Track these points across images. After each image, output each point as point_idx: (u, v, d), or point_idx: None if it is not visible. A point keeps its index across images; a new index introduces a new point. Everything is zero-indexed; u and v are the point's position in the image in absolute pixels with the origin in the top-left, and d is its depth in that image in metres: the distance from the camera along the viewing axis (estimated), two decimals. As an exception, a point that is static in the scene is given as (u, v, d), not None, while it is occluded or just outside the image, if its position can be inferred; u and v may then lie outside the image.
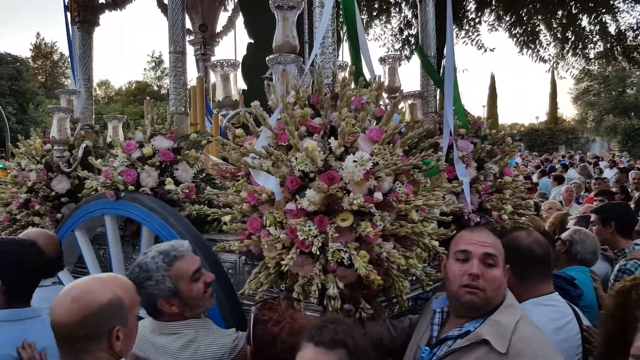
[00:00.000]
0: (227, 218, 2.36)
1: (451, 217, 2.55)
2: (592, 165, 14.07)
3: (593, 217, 4.01)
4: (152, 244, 3.00)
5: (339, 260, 2.00)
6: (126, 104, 39.65)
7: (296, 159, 2.11)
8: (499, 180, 3.32)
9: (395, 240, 2.16)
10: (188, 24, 5.29)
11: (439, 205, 2.29)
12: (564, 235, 3.57)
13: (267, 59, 2.58)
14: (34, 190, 3.73)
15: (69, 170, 3.74)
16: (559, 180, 10.55)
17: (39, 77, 43.82)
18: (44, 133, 4.00)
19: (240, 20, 4.87)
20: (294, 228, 2.03)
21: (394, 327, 2.35)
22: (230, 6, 5.41)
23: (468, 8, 9.38)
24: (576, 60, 10.23)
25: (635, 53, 9.88)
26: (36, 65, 45.63)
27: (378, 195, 2.04)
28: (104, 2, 4.49)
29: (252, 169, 2.23)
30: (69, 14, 4.34)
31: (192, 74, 5.94)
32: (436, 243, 2.26)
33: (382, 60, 3.66)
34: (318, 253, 2.01)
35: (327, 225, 2.01)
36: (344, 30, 3.03)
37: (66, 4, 4.33)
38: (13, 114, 29.86)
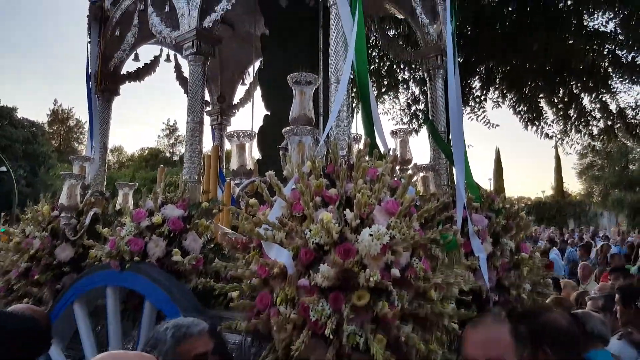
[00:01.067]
0: (234, 294, 2.25)
1: (470, 297, 2.42)
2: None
3: (617, 296, 3.83)
4: (153, 320, 2.86)
5: (354, 344, 1.86)
6: (137, 170, 40.36)
7: (310, 230, 2.04)
8: (516, 256, 3.21)
9: (414, 322, 2.03)
10: (206, 96, 5.49)
11: (459, 283, 2.18)
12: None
13: (283, 130, 2.60)
14: (36, 258, 3.62)
15: (75, 238, 3.66)
16: (587, 250, 10.32)
17: (53, 142, 45.08)
18: (53, 199, 3.97)
19: (258, 93, 5.05)
20: (306, 307, 1.91)
21: None
22: (248, 80, 5.63)
23: (473, 86, 9.73)
24: (579, 136, 10.41)
25: (638, 130, 10.05)
26: (51, 130, 47.17)
27: (395, 272, 1.95)
28: (125, 73, 4.68)
29: (265, 240, 2.15)
30: (91, 84, 4.51)
31: (207, 143, 6.04)
32: (456, 326, 2.12)
33: (394, 133, 3.71)
34: (332, 336, 1.87)
35: (343, 304, 1.89)
36: (357, 104, 3.10)
37: (88, 74, 4.51)
38: (24, 176, 30.31)
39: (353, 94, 3.32)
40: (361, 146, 2.62)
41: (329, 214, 2.03)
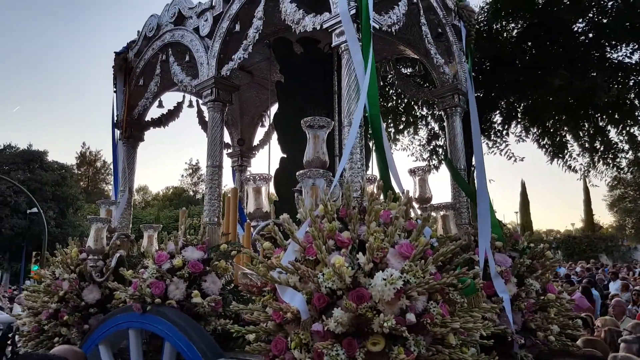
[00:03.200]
0: (251, 337, 2.25)
1: (492, 340, 2.35)
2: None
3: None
4: (173, 361, 2.88)
5: (369, 391, 1.83)
6: (162, 209, 41.12)
7: (323, 274, 2.04)
8: (542, 297, 3.11)
9: (431, 368, 1.99)
10: (227, 138, 5.65)
11: (479, 327, 2.12)
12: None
13: (297, 173, 2.65)
14: (65, 299, 3.72)
15: (101, 280, 3.76)
16: (626, 287, 10.07)
17: (82, 183, 46.58)
18: (80, 242, 4.10)
19: (275, 136, 5.17)
20: (320, 352, 1.90)
21: None
22: (267, 122, 5.78)
23: (494, 120, 9.67)
24: (606, 169, 10.15)
25: (668, 161, 9.75)
26: (79, 172, 48.86)
27: (411, 317, 1.92)
28: (149, 120, 4.87)
29: (278, 284, 2.17)
30: (117, 131, 4.71)
31: (228, 183, 6.17)
32: (477, 371, 2.06)
33: (412, 172, 3.71)
34: (346, 383, 1.85)
35: (357, 350, 1.87)
36: (372, 145, 3.14)
37: (114, 122, 4.72)
38: (53, 217, 31.27)
39: (369, 135, 3.37)
40: (375, 188, 2.64)
41: (341, 258, 2.03)
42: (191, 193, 49.78)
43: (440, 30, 4.10)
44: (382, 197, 2.53)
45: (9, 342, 3.95)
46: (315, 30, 3.25)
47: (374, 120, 2.80)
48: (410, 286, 1.96)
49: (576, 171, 10.00)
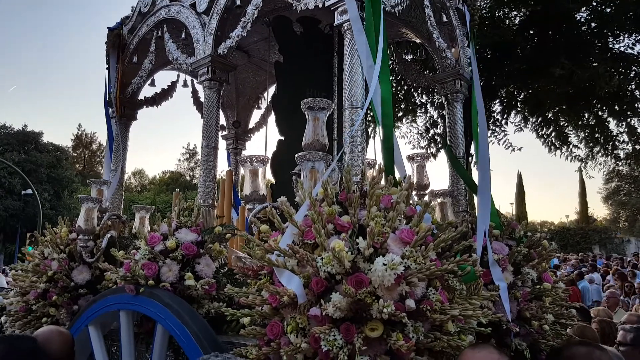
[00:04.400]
0: (246, 320, 2.20)
1: (490, 328, 2.31)
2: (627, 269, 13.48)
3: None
4: (165, 344, 2.83)
5: (367, 377, 1.79)
6: (158, 193, 40.95)
7: (322, 258, 1.99)
8: (538, 286, 3.09)
9: (429, 355, 1.95)
10: (222, 120, 5.56)
11: (477, 315, 2.09)
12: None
13: (296, 155, 2.58)
14: (54, 280, 3.66)
15: (91, 260, 3.69)
16: (623, 277, 10.09)
17: (77, 165, 46.25)
18: (71, 222, 4.02)
19: (272, 118, 5.09)
20: (317, 337, 1.85)
21: None
22: (264, 104, 5.69)
23: (494, 109, 9.62)
24: (605, 160, 10.16)
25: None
26: (75, 154, 48.48)
27: (410, 303, 1.87)
28: (142, 99, 4.77)
29: (276, 267, 2.11)
30: (110, 110, 4.60)
31: (223, 167, 6.11)
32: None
33: (411, 158, 3.65)
34: (344, 368, 1.80)
35: (355, 335, 1.82)
36: (372, 129, 3.07)
37: (106, 99, 4.62)
38: (48, 199, 31.06)
39: (369, 118, 3.30)
40: (375, 172, 2.58)
41: (341, 242, 1.98)
42: (188, 178, 49.61)
43: (443, 13, 4.00)
44: (382, 181, 2.47)
45: None
46: (316, 8, 3.15)
47: (386, 115, 2.71)
48: (410, 272, 1.91)
49: (580, 159, 9.99)
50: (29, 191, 24.60)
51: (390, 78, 9.37)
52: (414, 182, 3.55)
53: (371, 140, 3.84)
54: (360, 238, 2.05)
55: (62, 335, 2.78)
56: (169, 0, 4.23)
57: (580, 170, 10.75)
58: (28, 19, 72.54)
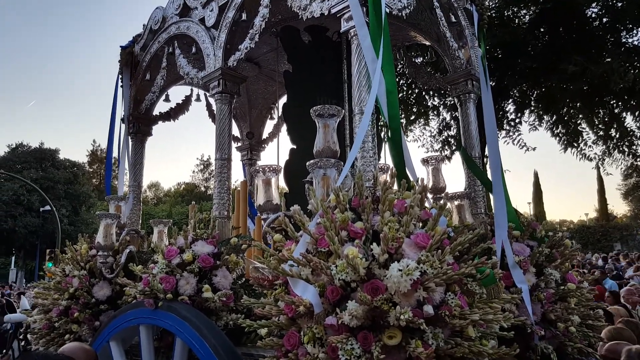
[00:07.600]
0: (263, 331, 2.19)
1: (513, 332, 2.26)
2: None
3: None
4: (185, 357, 2.83)
5: (387, 386, 1.76)
6: (174, 205, 41.34)
7: (336, 266, 1.97)
8: (562, 287, 3.01)
9: (450, 362, 1.91)
10: (236, 131, 5.60)
11: (499, 319, 2.04)
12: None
13: (307, 163, 2.57)
14: (75, 296, 3.70)
15: (111, 276, 3.72)
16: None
17: (94, 181, 46.98)
18: (90, 238, 4.07)
19: (284, 128, 5.11)
20: (334, 346, 1.83)
21: None
22: (276, 115, 5.72)
23: (507, 109, 9.50)
24: (622, 157, 9.93)
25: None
26: (91, 170, 49.27)
27: (428, 309, 1.84)
28: (157, 114, 4.83)
29: (290, 277, 2.10)
30: (123, 126, 4.66)
31: (238, 177, 6.15)
32: (497, 365, 1.97)
33: (425, 161, 3.62)
34: (363, 377, 1.78)
35: (373, 344, 1.80)
36: (384, 134, 3.05)
37: (113, 117, 4.67)
38: (66, 215, 31.60)
39: (381, 123, 3.28)
40: (388, 177, 2.55)
41: (355, 249, 1.96)
42: (203, 189, 50.03)
43: (451, 14, 3.98)
44: (395, 186, 2.45)
45: (20, 337, 3.94)
46: (323, 16, 3.16)
47: (391, 107, 2.69)
48: (427, 277, 1.88)
49: (591, 159, 9.80)
50: (47, 208, 25.08)
51: (402, 82, 9.31)
52: (430, 186, 3.52)
53: (384, 145, 3.81)
54: (375, 244, 2.02)
55: (87, 352, 2.80)
56: (179, 16, 4.30)
57: (597, 168, 10.53)
58: (42, 38, 74.57)
